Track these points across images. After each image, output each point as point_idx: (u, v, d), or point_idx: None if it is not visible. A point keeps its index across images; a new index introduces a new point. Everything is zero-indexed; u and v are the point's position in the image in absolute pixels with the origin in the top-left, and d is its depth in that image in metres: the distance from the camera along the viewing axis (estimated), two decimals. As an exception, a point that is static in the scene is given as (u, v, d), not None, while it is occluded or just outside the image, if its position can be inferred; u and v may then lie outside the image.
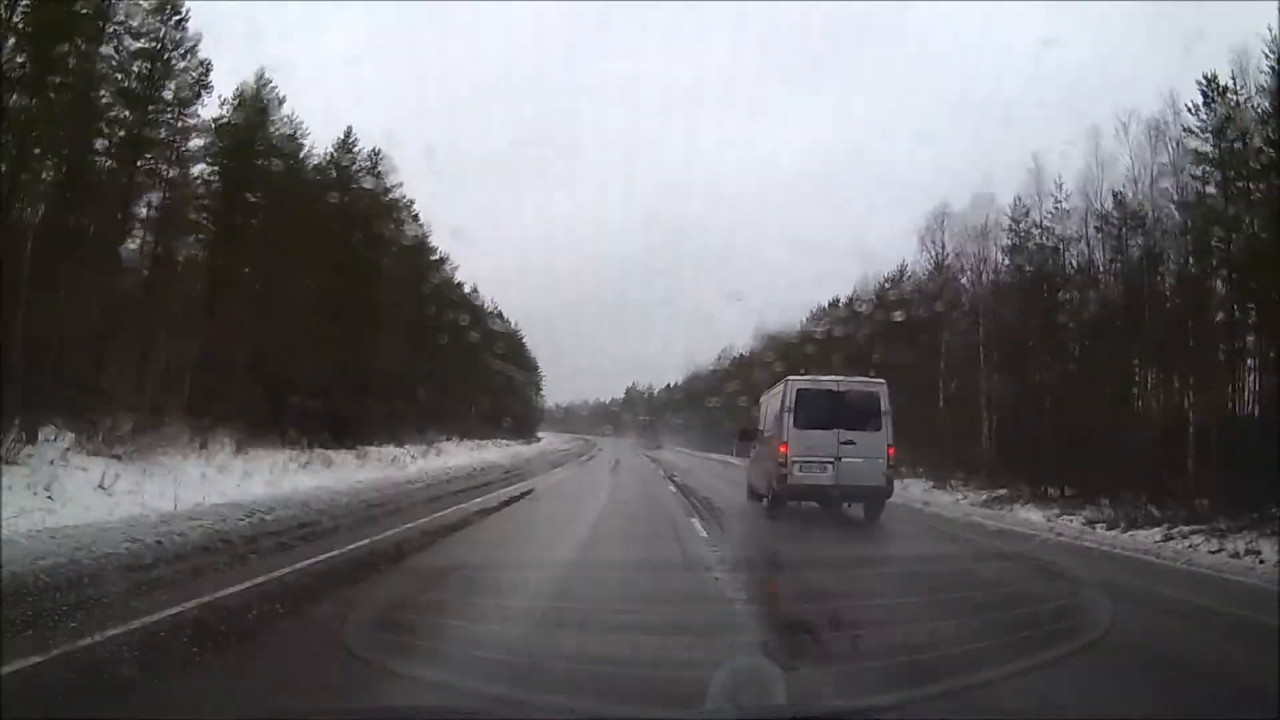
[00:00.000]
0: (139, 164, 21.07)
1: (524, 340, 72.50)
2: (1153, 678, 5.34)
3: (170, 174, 21.87)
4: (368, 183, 29.51)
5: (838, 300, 44.44)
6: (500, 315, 61.36)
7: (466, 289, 51.97)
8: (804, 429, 14.55)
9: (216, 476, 15.31)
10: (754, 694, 2.89)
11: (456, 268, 45.33)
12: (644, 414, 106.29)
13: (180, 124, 22.24)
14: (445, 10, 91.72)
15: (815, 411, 14.62)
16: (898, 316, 32.69)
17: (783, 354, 52.23)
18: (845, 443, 14.46)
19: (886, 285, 36.08)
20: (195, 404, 21.76)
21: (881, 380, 15.74)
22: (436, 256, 38.54)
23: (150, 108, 21.29)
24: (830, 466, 14.45)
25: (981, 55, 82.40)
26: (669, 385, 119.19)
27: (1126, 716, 4.45)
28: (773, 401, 16.50)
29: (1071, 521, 17.49)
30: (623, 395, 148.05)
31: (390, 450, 28.93)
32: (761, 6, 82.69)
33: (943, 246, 30.68)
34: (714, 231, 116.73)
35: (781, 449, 14.58)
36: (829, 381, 15.63)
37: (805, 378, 16.04)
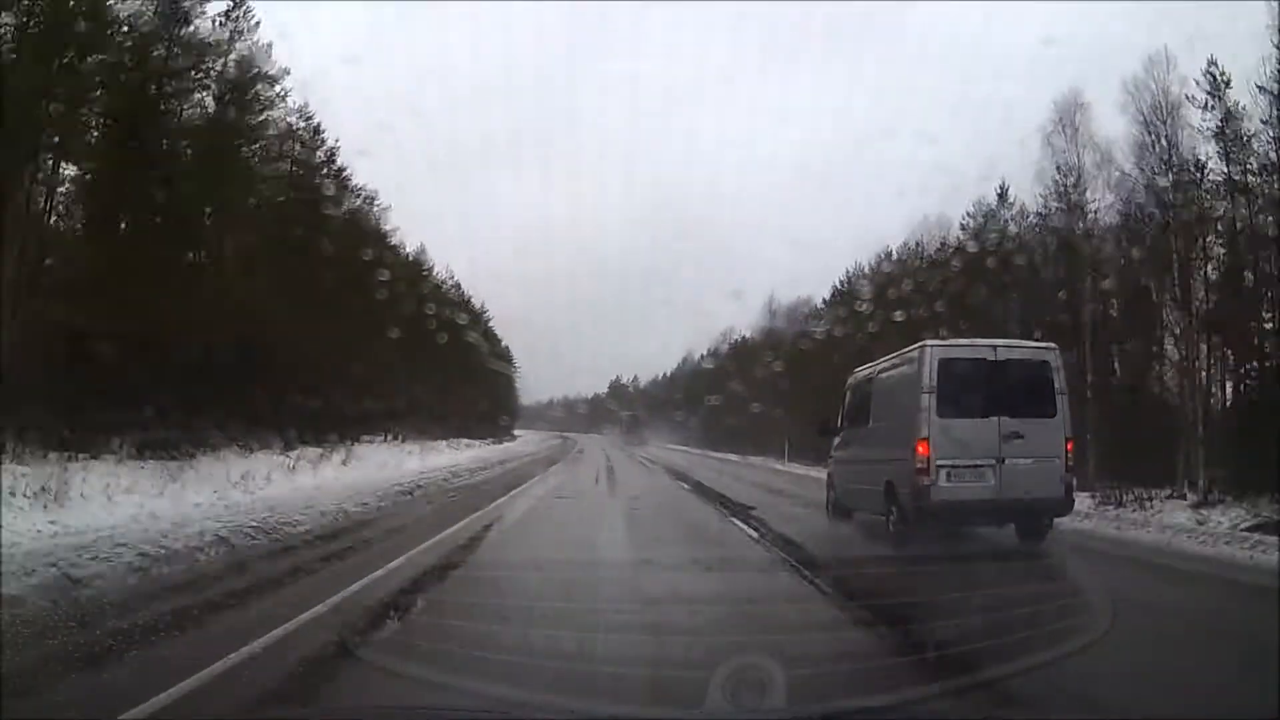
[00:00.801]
0: None
1: (491, 322, 62.40)
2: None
3: None
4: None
5: (887, 255, 34.63)
6: (459, 286, 51.02)
7: (408, 245, 41.92)
8: (952, 418, 10.65)
9: None
10: (754, 694, 2.91)
11: (386, 208, 34.28)
12: (628, 409, 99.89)
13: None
14: (438, 4, 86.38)
15: (966, 392, 10.84)
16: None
17: (786, 349, 44.03)
18: (1010, 436, 10.69)
19: (976, 220, 26.31)
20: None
21: (1052, 345, 11.89)
22: (347, 177, 28.01)
23: None
24: (990, 472, 10.62)
25: (981, 54, 77.57)
26: (658, 377, 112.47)
27: (1126, 716, 4.20)
28: (892, 380, 12.24)
29: None
30: (606, 390, 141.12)
31: (269, 460, 19.04)
32: (761, 6, 78.48)
33: (1078, 154, 20.89)
34: (706, 227, 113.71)
35: (921, 449, 10.53)
36: (983, 347, 11.56)
37: (949, 343, 12.10)
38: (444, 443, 40.62)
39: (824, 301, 42.21)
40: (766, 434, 54.70)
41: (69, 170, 16.75)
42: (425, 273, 40.89)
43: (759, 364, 52.27)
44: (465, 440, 45.93)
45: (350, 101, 60.55)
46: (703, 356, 78.22)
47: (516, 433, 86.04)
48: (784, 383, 42.60)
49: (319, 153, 25.70)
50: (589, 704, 3.87)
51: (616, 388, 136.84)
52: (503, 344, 74.55)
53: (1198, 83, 18.39)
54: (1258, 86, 17.26)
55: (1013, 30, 71.91)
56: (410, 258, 39.16)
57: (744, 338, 62.15)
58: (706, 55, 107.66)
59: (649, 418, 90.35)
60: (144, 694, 4.20)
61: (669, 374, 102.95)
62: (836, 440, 14.57)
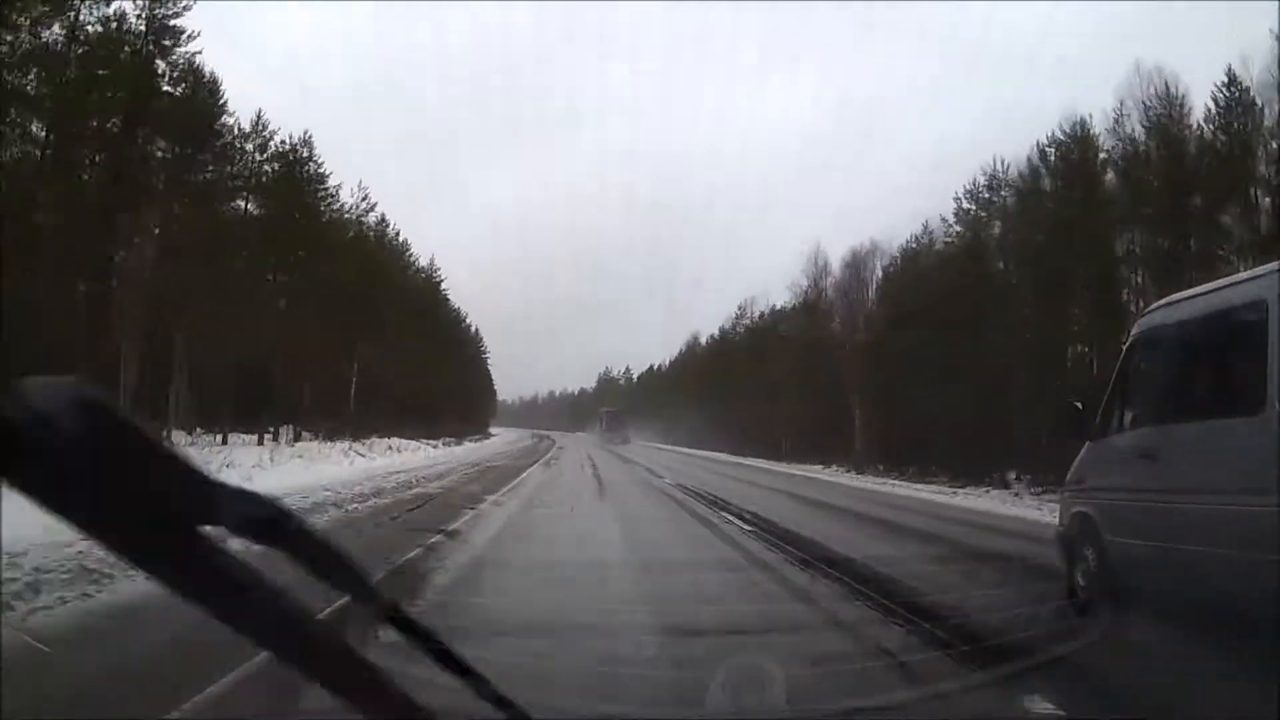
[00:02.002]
0: None
1: (448, 294, 53.73)
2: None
3: None
4: None
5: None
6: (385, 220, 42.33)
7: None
8: None
9: None
10: (754, 694, 2.86)
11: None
12: (612, 404, 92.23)
13: None
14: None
15: None
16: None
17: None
18: None
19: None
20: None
21: None
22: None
23: None
24: None
25: (984, 43, 75.11)
26: (653, 367, 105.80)
27: (1127, 717, 4.08)
28: None
29: None
30: (594, 385, 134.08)
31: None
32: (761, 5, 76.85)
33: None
34: (704, 224, 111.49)
35: None
36: None
37: None
38: (385, 442, 32.16)
39: (969, 199, 33.07)
40: (774, 428, 45.88)
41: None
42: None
43: (797, 338, 43.66)
44: (417, 441, 37.29)
45: (345, 96, 57.38)
46: (712, 338, 70.41)
47: (493, 431, 77.61)
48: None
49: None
50: (589, 704, 3.82)
51: (606, 381, 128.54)
52: (473, 326, 65.86)
53: None
54: None
55: (1018, 10, 72.24)
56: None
57: (774, 307, 52.88)
58: (706, 50, 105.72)
59: (641, 410, 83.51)
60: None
61: (666, 364, 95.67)
62: (1090, 449, 6.90)
